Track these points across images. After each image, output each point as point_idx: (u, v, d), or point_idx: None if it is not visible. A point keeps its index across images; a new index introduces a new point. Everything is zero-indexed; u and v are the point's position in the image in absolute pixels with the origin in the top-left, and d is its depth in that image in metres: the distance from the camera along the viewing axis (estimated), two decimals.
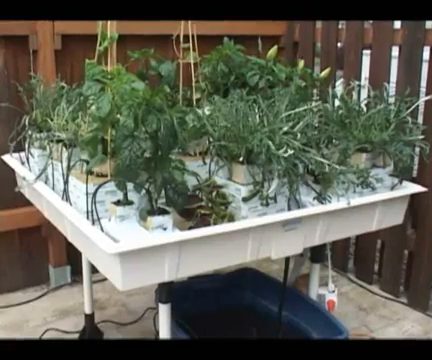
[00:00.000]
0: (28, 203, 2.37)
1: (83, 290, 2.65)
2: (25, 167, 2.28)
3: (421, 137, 2.13)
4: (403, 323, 2.92)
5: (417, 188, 2.24)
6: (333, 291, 2.28)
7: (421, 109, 2.93)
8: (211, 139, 1.95)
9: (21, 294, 3.09)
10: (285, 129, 1.79)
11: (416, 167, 3.01)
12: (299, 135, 1.81)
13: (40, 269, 3.18)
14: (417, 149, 2.22)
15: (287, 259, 2.22)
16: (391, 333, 2.80)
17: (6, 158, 2.42)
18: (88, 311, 2.66)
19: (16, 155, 2.36)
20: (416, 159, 2.89)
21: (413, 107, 2.18)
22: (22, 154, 2.32)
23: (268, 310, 2.33)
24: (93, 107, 1.81)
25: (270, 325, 2.26)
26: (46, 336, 2.66)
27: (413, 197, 2.27)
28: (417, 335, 2.79)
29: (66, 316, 2.88)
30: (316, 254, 2.24)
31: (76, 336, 2.68)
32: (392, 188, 2.19)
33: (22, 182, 2.30)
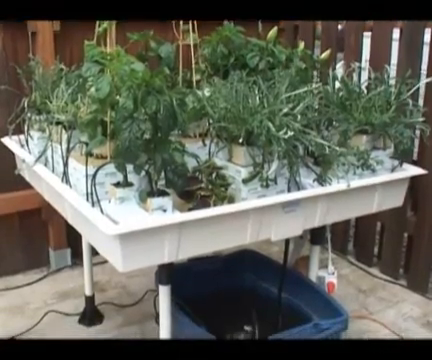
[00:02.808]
0: (28, 186, 2.37)
1: (83, 272, 2.66)
2: (25, 150, 2.28)
3: (422, 119, 2.12)
4: (402, 305, 2.93)
5: (417, 171, 2.24)
6: (333, 273, 2.29)
7: (422, 91, 2.92)
8: (211, 121, 1.95)
9: (21, 277, 3.10)
10: (285, 111, 1.78)
11: (416, 150, 3.00)
12: (299, 117, 1.81)
13: (40, 252, 3.19)
14: (418, 132, 2.21)
15: (287, 241, 2.23)
16: (390, 315, 2.81)
17: (5, 141, 2.41)
18: (88, 293, 2.67)
19: (15, 138, 2.35)
20: (416, 142, 2.89)
21: (414, 89, 2.17)
22: (21, 137, 2.31)
23: (268, 292, 2.34)
24: (92, 89, 1.80)
25: (270, 307, 2.27)
26: (47, 318, 2.67)
27: (413, 180, 2.27)
28: (416, 317, 2.80)
29: (66, 298, 2.89)
30: (316, 236, 2.24)
31: (76, 318, 2.70)
32: (392, 170, 2.18)
33: (22, 164, 2.30)
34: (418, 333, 2.67)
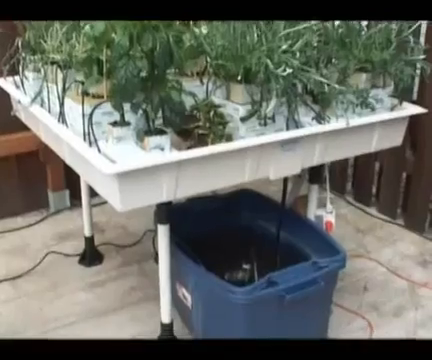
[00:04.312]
0: (25, 128, 2.36)
1: (82, 214, 2.67)
2: (20, 91, 2.25)
3: (422, 57, 2.10)
4: (399, 244, 2.95)
5: (417, 109, 2.23)
6: (331, 212, 2.30)
7: (423, 29, 2.87)
8: (208, 59, 1.92)
9: (21, 219, 3.11)
10: (284, 47, 1.75)
11: (416, 89, 2.97)
12: (298, 54, 1.78)
13: (39, 194, 3.19)
14: (418, 71, 2.19)
15: (285, 180, 2.23)
16: (387, 254, 2.84)
17: (0, 82, 2.38)
18: (88, 234, 2.69)
19: (10, 79, 2.32)
20: (416, 82, 2.86)
21: (415, 27, 2.14)
22: (16, 78, 2.28)
23: (266, 231, 2.35)
24: (87, 26, 1.76)
25: (268, 245, 2.28)
26: (47, 259, 2.70)
27: (412, 119, 2.25)
28: (413, 256, 2.83)
29: (66, 240, 2.91)
30: (314, 175, 2.24)
31: (77, 259, 2.73)
32: (392, 109, 2.17)
33: (17, 106, 2.27)
34: (414, 271, 2.70)
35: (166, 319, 2.04)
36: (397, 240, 3.00)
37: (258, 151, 1.80)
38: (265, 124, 1.82)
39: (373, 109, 2.06)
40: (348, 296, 2.47)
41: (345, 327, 2.29)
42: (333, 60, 2.07)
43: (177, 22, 2.15)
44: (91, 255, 2.71)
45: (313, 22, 2.01)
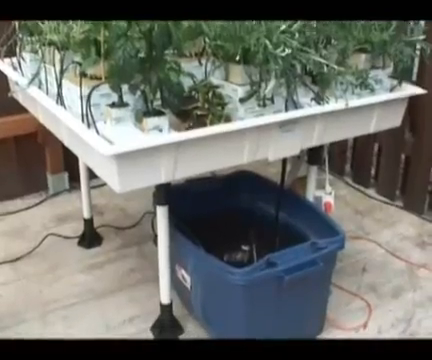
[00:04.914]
0: (23, 110, 2.35)
1: (81, 196, 2.67)
2: (17, 72, 2.24)
3: (422, 37, 2.08)
4: (398, 226, 2.96)
5: (416, 90, 2.22)
6: (330, 193, 2.30)
7: None
8: (207, 39, 1.90)
9: (20, 201, 3.11)
10: (283, 28, 1.74)
11: (416, 70, 2.96)
12: (297, 34, 1.76)
13: (38, 176, 3.18)
14: (417, 52, 2.17)
15: (284, 161, 2.23)
16: (386, 236, 2.85)
17: None
18: (87, 216, 2.69)
19: (7, 60, 2.31)
20: (416, 62, 2.85)
21: None
22: (14, 60, 2.26)
23: (265, 212, 2.35)
24: None
25: (267, 227, 2.29)
26: (47, 241, 2.70)
27: (411, 100, 2.25)
28: (411, 237, 2.84)
29: (65, 222, 2.91)
30: (313, 156, 2.23)
31: (76, 240, 2.73)
32: (391, 90, 2.16)
33: (15, 87, 2.26)
34: (413, 253, 2.71)
35: (165, 300, 2.05)
36: (396, 221, 3.00)
37: (257, 132, 1.80)
38: (264, 105, 1.81)
39: (372, 90, 2.05)
40: (347, 277, 2.48)
41: (344, 308, 2.30)
42: (332, 41, 2.05)
43: None
44: (90, 237, 2.71)
45: None
